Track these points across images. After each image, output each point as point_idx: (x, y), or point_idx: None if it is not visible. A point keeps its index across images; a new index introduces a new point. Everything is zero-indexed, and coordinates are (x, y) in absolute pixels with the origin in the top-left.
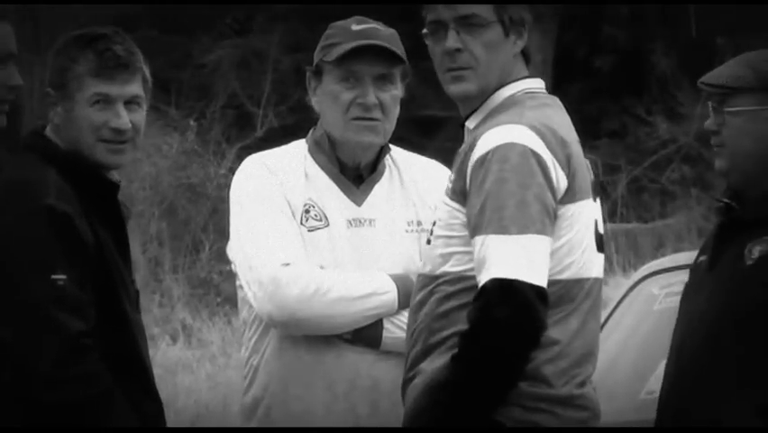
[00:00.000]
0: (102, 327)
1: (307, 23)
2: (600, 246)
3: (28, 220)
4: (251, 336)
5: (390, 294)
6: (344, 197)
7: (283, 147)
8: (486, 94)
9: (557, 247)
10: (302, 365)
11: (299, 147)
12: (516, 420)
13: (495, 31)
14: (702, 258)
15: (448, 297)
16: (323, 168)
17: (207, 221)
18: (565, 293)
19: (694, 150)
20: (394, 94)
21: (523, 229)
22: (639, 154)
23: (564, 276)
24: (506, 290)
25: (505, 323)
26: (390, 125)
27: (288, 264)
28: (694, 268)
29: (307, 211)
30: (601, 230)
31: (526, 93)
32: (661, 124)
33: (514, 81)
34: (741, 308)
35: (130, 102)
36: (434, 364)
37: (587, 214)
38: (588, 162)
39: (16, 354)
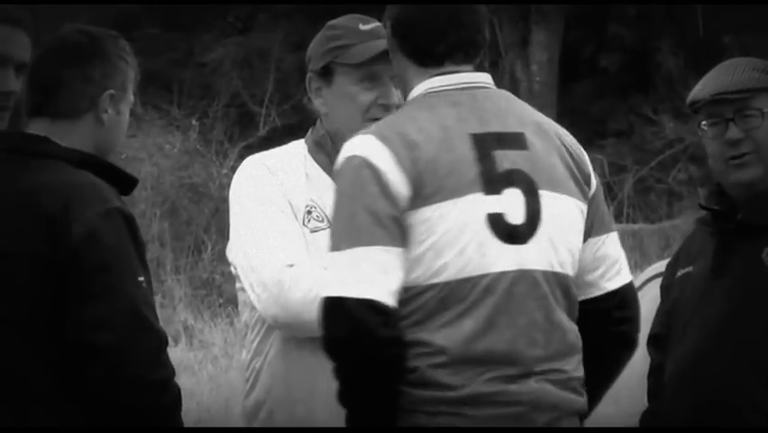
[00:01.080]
0: None
1: (310, 22)
2: (513, 238)
3: (107, 223)
4: (253, 338)
5: None
6: None
7: (282, 147)
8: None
9: (421, 252)
10: (306, 368)
11: (298, 147)
12: (422, 426)
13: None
14: (686, 270)
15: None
16: (324, 168)
17: (210, 221)
18: (449, 295)
19: (701, 149)
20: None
21: (352, 243)
22: (645, 154)
23: (441, 279)
24: (335, 308)
25: (340, 341)
26: None
27: (291, 266)
28: (677, 282)
29: (309, 212)
30: (516, 220)
31: (426, 94)
32: (667, 123)
33: (423, 81)
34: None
35: None
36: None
37: (460, 212)
38: (492, 154)
39: (114, 358)
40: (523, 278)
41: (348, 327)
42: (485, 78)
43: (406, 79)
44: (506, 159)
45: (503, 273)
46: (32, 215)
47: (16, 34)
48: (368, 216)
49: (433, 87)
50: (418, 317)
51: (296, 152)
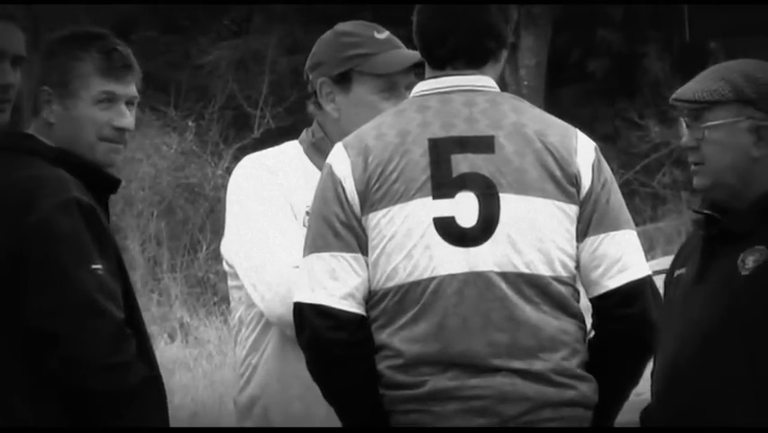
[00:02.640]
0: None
1: (305, 25)
2: (463, 240)
3: (63, 213)
4: (248, 334)
5: None
6: None
7: (277, 148)
8: None
9: (376, 257)
10: (303, 366)
11: (293, 149)
12: (402, 425)
13: None
14: (680, 271)
15: None
16: (320, 169)
17: (205, 221)
18: (402, 298)
19: (685, 153)
20: None
21: (309, 250)
22: (631, 158)
23: (394, 283)
24: (294, 313)
25: (302, 345)
26: None
27: (297, 267)
28: (673, 282)
29: (308, 213)
30: (467, 223)
31: (413, 96)
32: (653, 127)
33: (419, 84)
34: (743, 318)
35: (130, 102)
36: None
37: (406, 216)
38: (447, 158)
39: (68, 344)
40: (475, 279)
41: (303, 331)
42: (480, 81)
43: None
44: (463, 162)
45: (452, 276)
46: (2, 208)
47: (10, 29)
48: (322, 222)
49: (422, 90)
50: (381, 321)
51: (292, 152)
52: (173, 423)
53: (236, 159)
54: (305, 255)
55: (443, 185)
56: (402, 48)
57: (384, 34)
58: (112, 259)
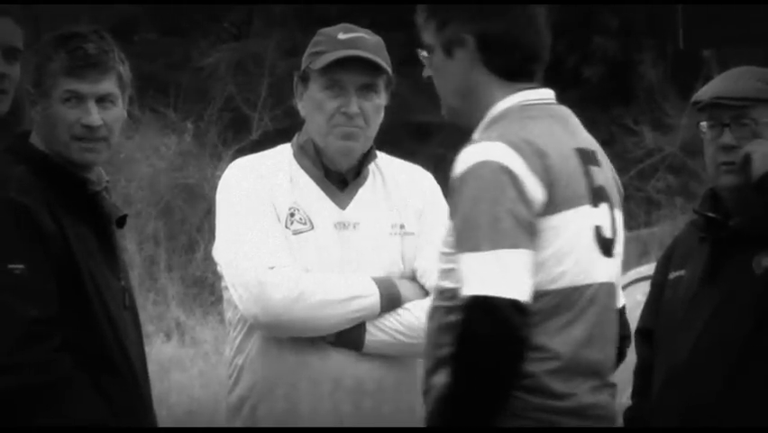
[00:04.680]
0: (68, 317)
1: (304, 28)
2: (607, 251)
3: None
4: (235, 336)
5: (373, 298)
6: (329, 200)
7: (269, 151)
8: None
9: (544, 258)
10: (287, 366)
11: (284, 151)
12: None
13: (437, 56)
14: (679, 273)
15: (449, 311)
16: (308, 172)
17: (203, 221)
18: (561, 302)
19: (679, 159)
20: (377, 103)
21: (496, 245)
22: (626, 163)
23: (557, 286)
24: (481, 306)
25: (484, 339)
26: (372, 133)
27: (273, 267)
28: (670, 283)
29: (292, 215)
30: (609, 234)
31: (522, 105)
32: (647, 133)
33: (513, 94)
34: (764, 316)
35: (103, 100)
36: (442, 380)
37: (578, 222)
38: (590, 169)
39: None
40: (610, 290)
41: (493, 326)
42: (554, 96)
43: (481, 91)
44: (596, 174)
45: (601, 284)
46: None
47: (3, 22)
48: (511, 219)
49: (526, 101)
50: (535, 320)
51: (282, 155)
52: (170, 423)
53: (235, 160)
54: (487, 249)
55: (593, 194)
56: (357, 48)
57: (349, 35)
58: (47, 258)
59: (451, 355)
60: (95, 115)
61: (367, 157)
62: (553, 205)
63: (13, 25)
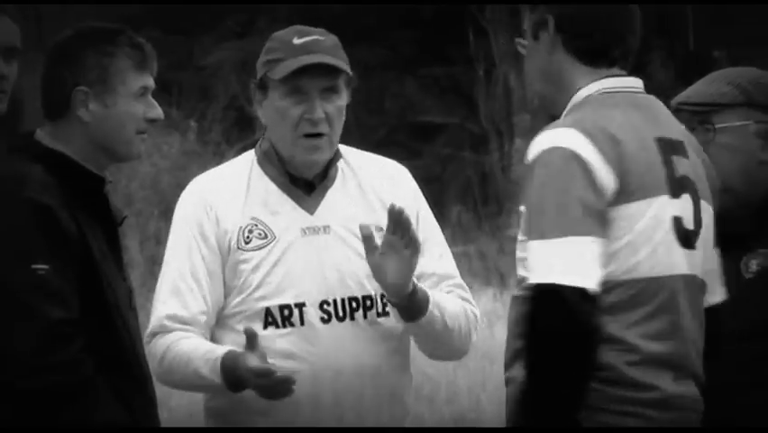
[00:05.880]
0: (87, 319)
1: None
2: (688, 242)
3: (9, 212)
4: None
5: (216, 380)
6: (297, 206)
7: (231, 162)
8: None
9: (617, 248)
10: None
11: (247, 160)
12: (601, 424)
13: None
14: None
15: (524, 301)
16: (273, 179)
17: None
18: (639, 293)
19: None
20: (339, 105)
21: (563, 232)
22: None
23: (633, 276)
24: (547, 295)
25: (551, 329)
26: (336, 137)
27: (155, 334)
28: None
29: (250, 231)
30: (690, 225)
31: (603, 92)
32: None
33: (596, 81)
34: (750, 321)
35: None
36: (520, 372)
37: (654, 212)
38: (672, 159)
39: None
40: (693, 283)
41: (561, 315)
42: (642, 85)
43: (564, 76)
44: (679, 164)
45: (683, 276)
46: None
47: (2, 21)
48: (580, 207)
49: (607, 88)
50: (611, 312)
51: (244, 165)
52: (171, 423)
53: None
54: (555, 237)
55: (674, 185)
56: (315, 53)
57: (304, 39)
58: (68, 259)
59: (523, 347)
60: (159, 108)
61: (332, 158)
62: (626, 194)
63: (12, 24)
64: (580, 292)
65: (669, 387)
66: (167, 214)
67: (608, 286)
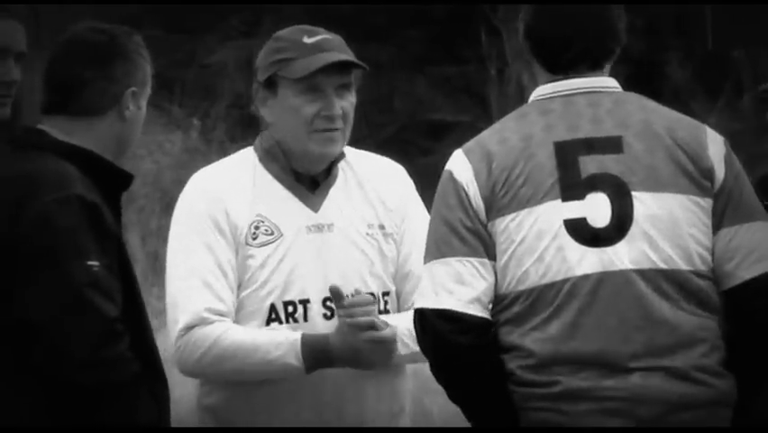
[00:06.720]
0: (127, 316)
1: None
2: (596, 241)
3: (62, 208)
4: None
5: (293, 362)
6: (301, 204)
7: (230, 158)
8: None
9: (505, 262)
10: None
11: (248, 157)
12: (532, 422)
13: None
14: None
15: None
16: (276, 177)
17: None
18: (537, 301)
19: None
20: (352, 101)
21: (432, 256)
22: None
23: (526, 286)
24: (418, 320)
25: (424, 348)
26: (348, 132)
27: (192, 327)
28: None
29: (257, 228)
30: (600, 223)
31: (537, 99)
32: None
33: (541, 85)
34: None
35: None
36: None
37: (537, 219)
38: (577, 160)
39: (53, 337)
40: (610, 279)
41: (427, 337)
42: (603, 82)
43: (537, 81)
44: (591, 163)
45: (585, 276)
46: (3, 200)
47: (13, 26)
48: (445, 228)
49: (542, 94)
50: (512, 324)
51: (244, 163)
52: (174, 420)
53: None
54: (426, 262)
55: (572, 187)
56: (329, 51)
57: (314, 39)
58: (114, 257)
59: None
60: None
61: (337, 156)
62: (499, 208)
63: (22, 29)
64: (437, 313)
65: (573, 381)
66: (168, 211)
67: (510, 298)
